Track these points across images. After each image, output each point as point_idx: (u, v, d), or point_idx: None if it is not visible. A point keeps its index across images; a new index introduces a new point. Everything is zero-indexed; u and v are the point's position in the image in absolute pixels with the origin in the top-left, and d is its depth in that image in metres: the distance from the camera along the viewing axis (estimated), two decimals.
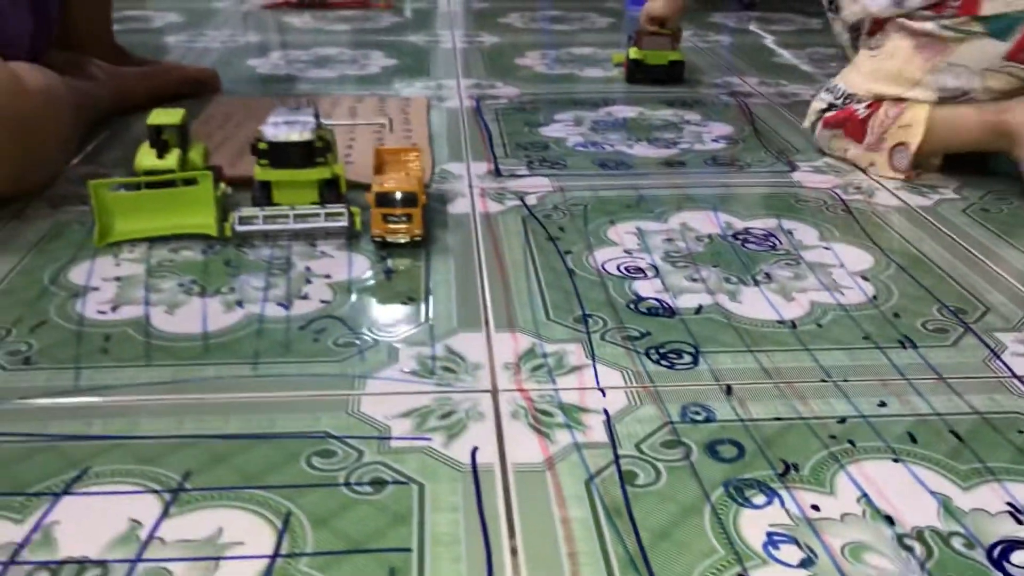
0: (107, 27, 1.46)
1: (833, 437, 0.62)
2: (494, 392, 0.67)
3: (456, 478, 0.57)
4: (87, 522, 0.53)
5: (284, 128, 0.91)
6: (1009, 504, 0.56)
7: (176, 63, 1.51)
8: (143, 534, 0.52)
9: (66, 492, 0.56)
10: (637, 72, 1.54)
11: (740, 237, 0.94)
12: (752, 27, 2.09)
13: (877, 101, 1.13)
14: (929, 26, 1.08)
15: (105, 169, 1.10)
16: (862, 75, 1.16)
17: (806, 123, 1.23)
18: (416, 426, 0.63)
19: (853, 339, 0.75)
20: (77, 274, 0.84)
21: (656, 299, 0.81)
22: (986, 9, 1.05)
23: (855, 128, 1.15)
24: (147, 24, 2.05)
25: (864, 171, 1.14)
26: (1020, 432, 0.63)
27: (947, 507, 0.56)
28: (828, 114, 1.18)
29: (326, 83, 1.54)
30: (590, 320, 0.77)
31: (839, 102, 1.18)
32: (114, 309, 0.78)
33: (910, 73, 1.10)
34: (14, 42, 1.09)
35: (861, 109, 1.15)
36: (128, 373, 0.69)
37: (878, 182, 1.10)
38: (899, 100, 1.12)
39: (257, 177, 0.93)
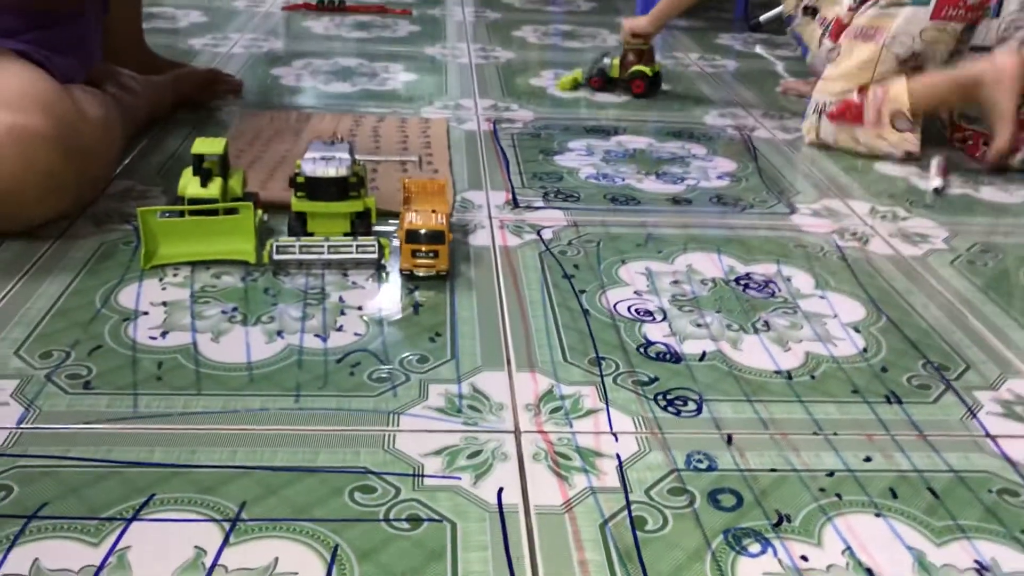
0: (139, 33, 1.51)
1: (823, 490, 0.69)
2: (517, 433, 0.73)
3: (484, 517, 0.64)
4: (156, 548, 0.60)
5: (322, 164, 0.97)
6: (976, 562, 0.63)
7: (196, 68, 1.56)
8: (207, 562, 0.59)
9: (135, 518, 0.62)
10: (651, 86, 1.65)
11: (742, 282, 1.01)
12: (758, 50, 2.16)
13: (863, 87, 1.43)
14: (871, 12, 1.44)
15: (143, 185, 1.16)
16: (832, 80, 1.47)
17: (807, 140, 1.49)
18: (447, 464, 0.69)
19: (843, 392, 0.82)
20: (126, 297, 0.90)
21: (664, 344, 0.88)
22: None
23: (855, 113, 1.43)
24: (171, 23, 2.10)
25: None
26: (990, 491, 0.70)
27: (921, 562, 0.63)
28: (828, 110, 1.45)
29: (347, 98, 1.60)
30: (603, 363, 0.84)
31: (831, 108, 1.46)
32: (164, 335, 0.84)
33: (867, 56, 1.43)
34: (95, 56, 1.16)
35: (854, 95, 1.43)
36: (182, 401, 0.75)
37: (872, 228, 1.17)
38: (880, 82, 1.43)
39: (294, 208, 0.99)
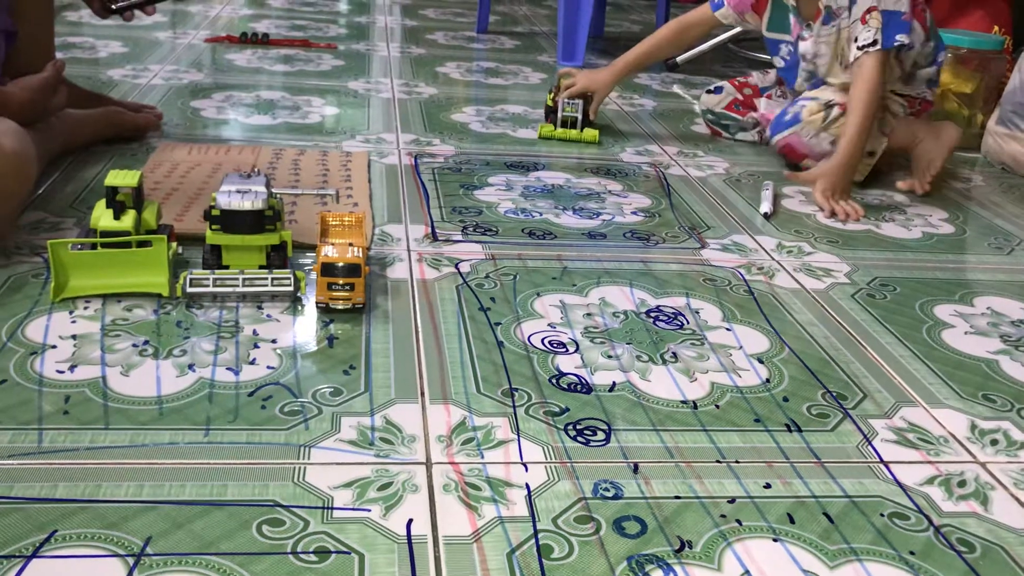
0: (51, 60, 1.49)
1: (723, 516, 0.71)
2: (428, 465, 0.74)
3: (393, 549, 0.65)
4: None
5: (237, 197, 0.97)
6: None
7: (120, 102, 1.54)
8: None
9: (35, 555, 0.61)
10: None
11: (652, 315, 1.04)
12: (675, 89, 2.22)
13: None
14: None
15: (56, 217, 1.15)
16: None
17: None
18: (357, 496, 0.70)
19: (746, 421, 0.85)
20: (34, 330, 0.89)
21: (575, 375, 0.90)
22: None
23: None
24: (91, 53, 2.08)
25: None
26: (882, 515, 0.73)
27: None
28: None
29: (268, 130, 1.60)
30: (516, 394, 0.85)
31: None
32: (72, 369, 0.83)
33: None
34: None
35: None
36: (88, 436, 0.74)
37: (778, 263, 1.21)
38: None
39: (208, 240, 0.99)
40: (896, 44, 1.49)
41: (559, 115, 1.68)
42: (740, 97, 1.78)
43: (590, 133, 1.69)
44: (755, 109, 1.76)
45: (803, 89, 1.64)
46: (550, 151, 1.62)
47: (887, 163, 1.63)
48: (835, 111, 1.56)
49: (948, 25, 2.03)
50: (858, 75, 1.49)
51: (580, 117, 1.68)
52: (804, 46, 1.59)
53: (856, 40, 1.50)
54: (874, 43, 1.48)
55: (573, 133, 1.69)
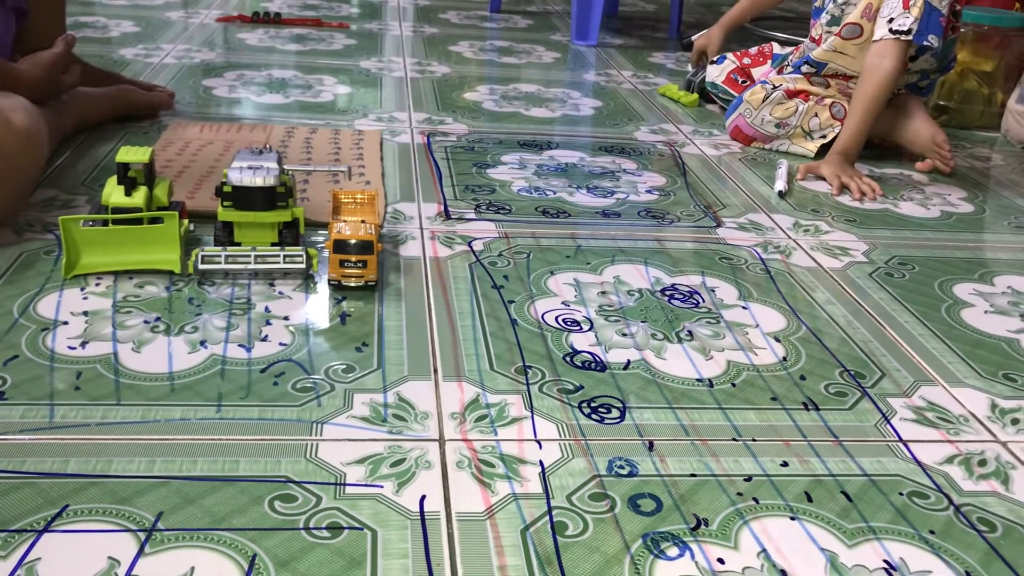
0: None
1: (740, 494, 0.70)
2: (441, 441, 0.74)
3: (405, 525, 0.64)
4: (68, 559, 0.59)
5: (249, 173, 0.96)
6: (885, 562, 0.65)
7: (133, 81, 1.53)
8: (121, 572, 0.58)
9: (47, 529, 0.61)
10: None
11: (667, 293, 1.03)
12: (690, 68, 2.19)
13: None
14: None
15: (68, 195, 1.14)
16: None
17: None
18: (369, 473, 0.69)
19: (762, 400, 0.84)
20: (46, 307, 0.89)
21: (590, 353, 0.89)
22: None
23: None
24: (103, 32, 2.07)
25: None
26: (901, 494, 0.72)
27: (833, 563, 0.64)
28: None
29: (281, 109, 1.59)
30: (530, 372, 0.85)
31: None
32: (83, 345, 0.83)
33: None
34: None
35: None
36: (100, 411, 0.74)
37: (795, 242, 1.20)
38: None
39: (220, 217, 0.98)
40: (925, 44, 1.45)
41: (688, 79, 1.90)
42: (739, 65, 1.79)
43: (689, 98, 1.85)
44: (751, 79, 1.74)
45: (819, 33, 1.60)
46: (564, 130, 1.61)
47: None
48: (777, 93, 1.58)
49: (970, 2, 2.00)
50: (877, 64, 1.45)
51: (695, 82, 1.88)
52: None
53: (890, 20, 1.45)
54: (908, 32, 1.44)
55: (680, 95, 1.87)
